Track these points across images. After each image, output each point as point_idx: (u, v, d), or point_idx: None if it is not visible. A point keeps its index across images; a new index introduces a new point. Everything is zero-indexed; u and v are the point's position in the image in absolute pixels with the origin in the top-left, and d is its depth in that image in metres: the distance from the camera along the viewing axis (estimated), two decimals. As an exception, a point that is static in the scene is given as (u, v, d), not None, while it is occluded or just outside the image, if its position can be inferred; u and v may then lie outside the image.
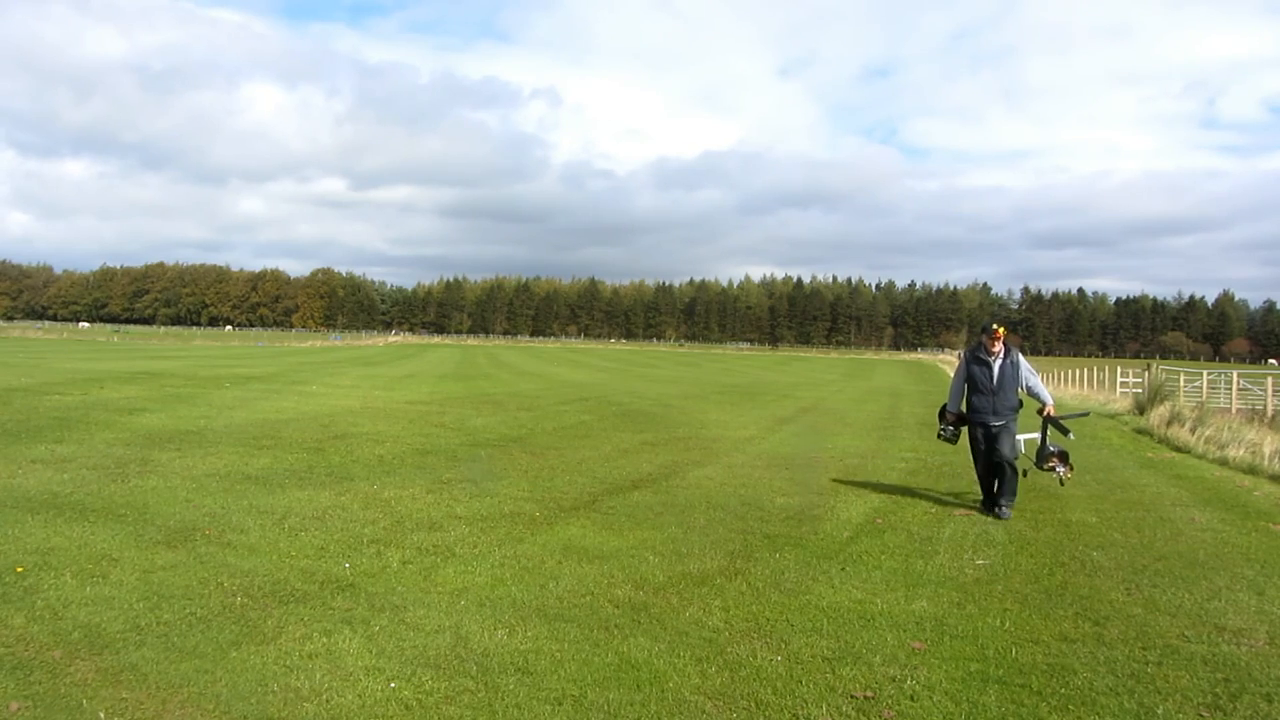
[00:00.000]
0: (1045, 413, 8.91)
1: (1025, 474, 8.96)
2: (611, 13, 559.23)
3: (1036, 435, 9.31)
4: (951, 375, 9.26)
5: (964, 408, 8.87)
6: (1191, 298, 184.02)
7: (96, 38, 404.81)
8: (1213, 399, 27.18)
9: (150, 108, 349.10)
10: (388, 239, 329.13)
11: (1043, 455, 9.04)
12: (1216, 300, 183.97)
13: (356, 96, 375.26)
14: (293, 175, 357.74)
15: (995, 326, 8.49)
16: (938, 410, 9.30)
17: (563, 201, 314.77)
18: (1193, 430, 15.95)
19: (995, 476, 8.64)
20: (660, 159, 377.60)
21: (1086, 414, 9.83)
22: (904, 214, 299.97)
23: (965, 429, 8.99)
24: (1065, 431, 8.94)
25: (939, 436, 9.27)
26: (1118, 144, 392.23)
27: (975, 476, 9.12)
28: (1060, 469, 9.01)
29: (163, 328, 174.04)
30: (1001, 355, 8.54)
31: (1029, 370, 8.62)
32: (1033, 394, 8.74)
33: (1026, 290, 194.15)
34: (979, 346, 8.70)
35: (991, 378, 8.52)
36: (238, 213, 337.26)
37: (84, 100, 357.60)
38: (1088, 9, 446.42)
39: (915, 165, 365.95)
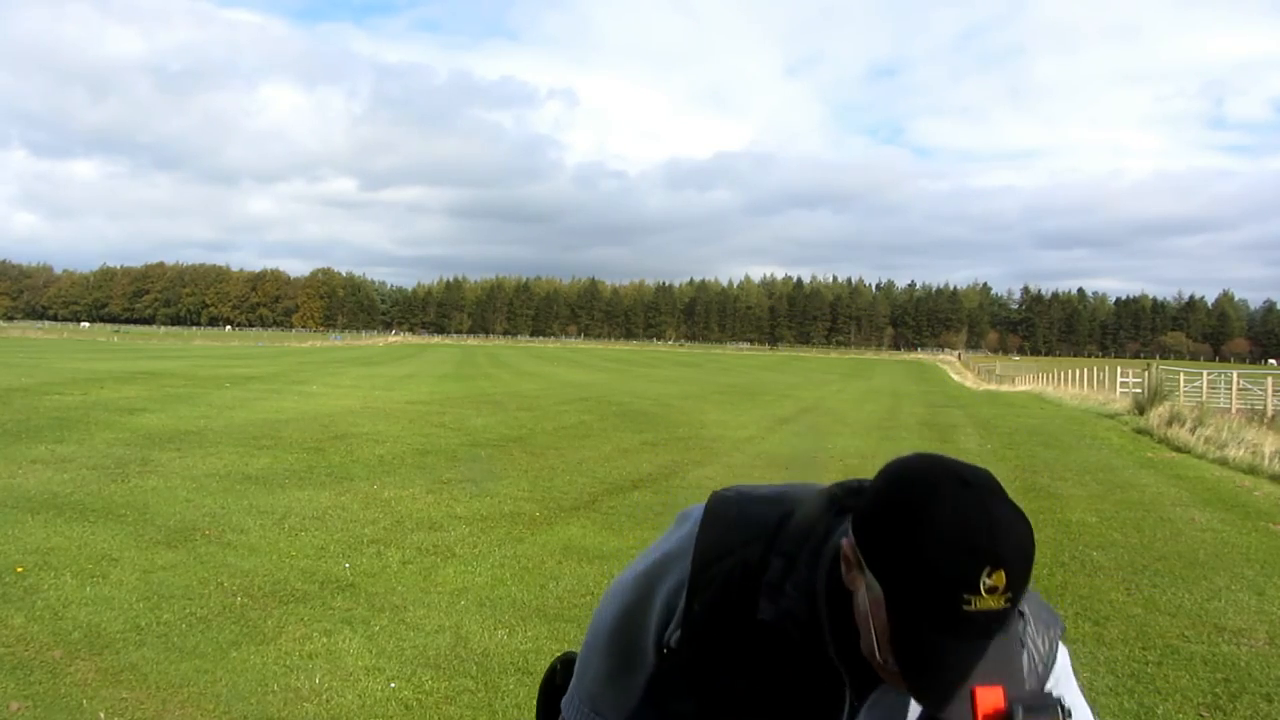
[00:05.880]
0: None
1: None
2: (618, 10, 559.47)
3: None
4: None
5: None
6: (1191, 298, 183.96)
7: (115, 38, 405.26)
8: (1213, 399, 27.13)
9: (166, 108, 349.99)
10: (395, 239, 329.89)
11: None
12: (1216, 300, 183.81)
13: (373, 97, 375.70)
14: (304, 175, 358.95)
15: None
16: None
17: (573, 202, 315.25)
18: (1193, 430, 15.97)
19: None
20: (672, 160, 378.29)
21: None
22: (912, 214, 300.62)
23: None
24: None
25: None
26: (1125, 144, 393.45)
27: None
28: None
29: (162, 328, 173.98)
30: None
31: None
32: None
33: (1026, 290, 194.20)
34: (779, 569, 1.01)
35: None
36: (246, 213, 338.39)
37: (100, 100, 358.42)
38: (1096, 8, 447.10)
39: (922, 165, 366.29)
